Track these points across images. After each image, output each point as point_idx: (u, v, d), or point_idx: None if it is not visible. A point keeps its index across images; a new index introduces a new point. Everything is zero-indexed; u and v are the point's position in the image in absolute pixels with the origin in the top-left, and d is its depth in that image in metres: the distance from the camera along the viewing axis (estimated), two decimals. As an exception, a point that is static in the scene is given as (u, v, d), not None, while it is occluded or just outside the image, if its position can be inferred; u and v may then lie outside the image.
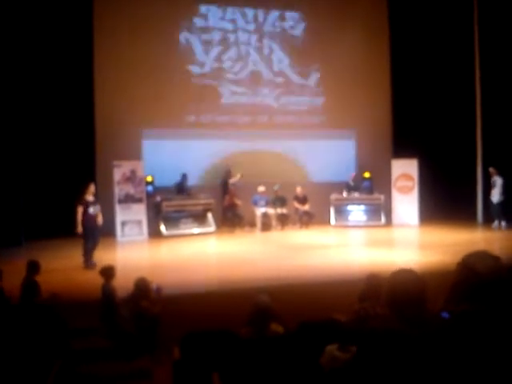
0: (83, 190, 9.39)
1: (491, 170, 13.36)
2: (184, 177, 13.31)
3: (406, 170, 14.39)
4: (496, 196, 13.19)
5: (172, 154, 13.64)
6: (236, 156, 14.36)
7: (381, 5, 15.61)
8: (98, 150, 13.11)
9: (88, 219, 9.15)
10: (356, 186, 14.66)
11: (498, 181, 13.18)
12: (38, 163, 12.20)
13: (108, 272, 6.22)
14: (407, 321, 2.24)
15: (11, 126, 11.84)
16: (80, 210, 9.10)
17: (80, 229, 9.06)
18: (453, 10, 14.30)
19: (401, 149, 14.61)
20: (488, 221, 13.62)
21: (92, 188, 9.42)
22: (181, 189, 13.24)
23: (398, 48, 15.40)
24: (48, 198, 12.13)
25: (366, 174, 14.87)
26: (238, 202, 13.56)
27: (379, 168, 14.85)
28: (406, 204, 14.31)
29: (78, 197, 9.39)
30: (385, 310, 2.86)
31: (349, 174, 14.76)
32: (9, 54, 11.70)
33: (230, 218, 13.50)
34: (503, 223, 13.08)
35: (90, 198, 9.28)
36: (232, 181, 13.55)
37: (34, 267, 6.34)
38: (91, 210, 9.21)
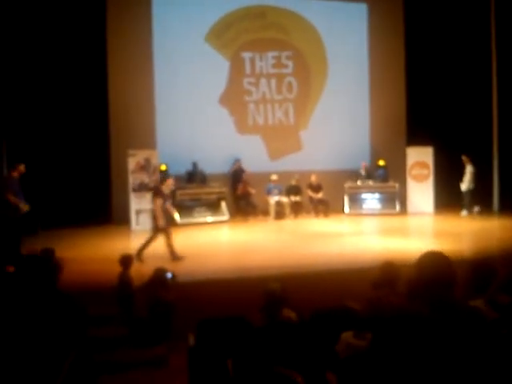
0: (160, 183, 9.29)
1: (464, 158, 13.47)
2: (195, 165, 13.35)
3: (421, 158, 14.27)
4: (465, 184, 13.37)
5: (185, 141, 13.65)
6: (248, 143, 14.36)
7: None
8: (112, 139, 13.17)
9: (164, 213, 9.04)
10: (368, 175, 14.57)
11: (468, 169, 13.37)
12: (54, 153, 12.28)
13: (126, 261, 6.28)
14: (432, 304, 2.21)
15: (27, 116, 11.95)
16: (159, 203, 8.99)
17: (162, 222, 8.84)
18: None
19: (416, 136, 14.47)
20: (505, 208, 13.50)
21: (170, 182, 9.28)
22: (192, 177, 13.29)
23: (412, 34, 15.20)
24: (64, 187, 12.23)
25: (381, 162, 14.77)
26: (252, 190, 13.57)
27: (394, 156, 14.75)
28: (421, 192, 14.20)
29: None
30: (400, 298, 2.84)
31: (360, 164, 14.67)
32: (25, 45, 11.78)
33: (244, 206, 13.52)
34: (476, 209, 13.30)
35: (167, 192, 9.23)
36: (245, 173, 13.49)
37: (48, 255, 6.38)
38: (167, 204, 9.20)
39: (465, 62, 14.36)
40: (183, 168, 13.33)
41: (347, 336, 3.38)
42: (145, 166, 12.54)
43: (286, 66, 14.91)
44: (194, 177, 13.34)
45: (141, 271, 6.98)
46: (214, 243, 10.68)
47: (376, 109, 15.38)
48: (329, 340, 3.53)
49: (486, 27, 13.93)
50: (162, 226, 8.75)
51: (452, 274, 2.30)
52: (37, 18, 12.00)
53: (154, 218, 8.83)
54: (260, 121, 14.71)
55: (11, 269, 6.07)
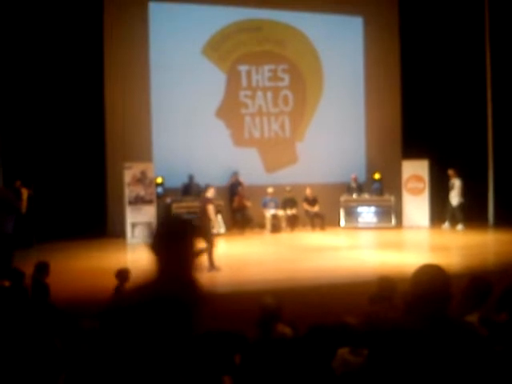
0: (205, 191, 9.38)
1: (450, 172, 13.64)
2: (191, 178, 13.36)
3: (416, 172, 14.31)
4: (455, 198, 13.46)
5: (182, 154, 13.65)
6: (244, 156, 14.38)
7: (392, 4, 15.51)
8: (108, 151, 13.17)
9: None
10: (359, 187, 14.57)
11: (456, 183, 13.48)
12: (50, 165, 12.26)
13: (124, 275, 6.20)
14: (428, 319, 2.20)
15: (23, 128, 11.95)
16: (212, 209, 9.04)
17: (216, 226, 9.06)
18: (464, 12, 14.21)
19: (411, 150, 14.52)
20: (500, 222, 13.53)
21: (212, 190, 9.34)
22: (188, 190, 13.29)
23: (408, 47, 15.33)
24: (59, 200, 12.20)
25: (376, 176, 14.81)
26: (248, 203, 13.57)
27: (389, 169, 14.79)
28: (417, 206, 14.23)
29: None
30: (398, 313, 2.83)
31: (349, 176, 14.64)
32: (23, 58, 11.83)
33: (240, 219, 13.51)
34: (460, 225, 13.37)
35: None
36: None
37: (43, 269, 6.35)
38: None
39: (460, 75, 14.47)
40: (179, 181, 13.33)
41: (344, 352, 3.36)
42: (141, 179, 12.53)
43: (282, 79, 14.99)
44: (190, 189, 13.33)
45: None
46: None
47: (371, 122, 15.45)
48: (325, 356, 3.51)
49: (481, 41, 14.05)
50: (213, 232, 9.01)
51: (448, 287, 2.30)
52: (35, 30, 12.04)
53: (207, 223, 8.85)
54: (256, 134, 14.76)
55: (7, 283, 6.02)
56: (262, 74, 14.81)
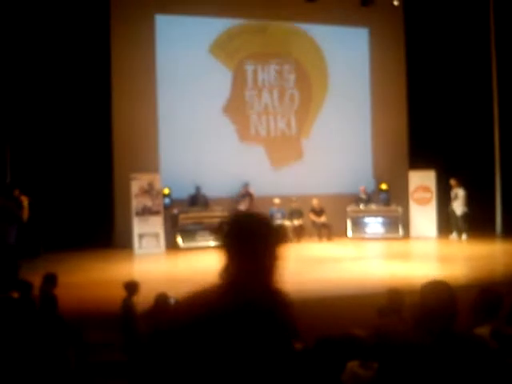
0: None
1: (452, 181, 13.59)
2: (197, 189, 13.36)
3: (423, 182, 14.28)
4: (459, 208, 13.43)
5: (189, 165, 13.69)
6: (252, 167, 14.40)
7: (397, 13, 15.55)
8: (115, 162, 13.24)
9: None
10: (368, 198, 14.55)
11: (460, 192, 13.45)
12: (57, 176, 12.33)
13: (132, 287, 6.18)
14: (435, 335, 2.20)
15: (31, 139, 12.04)
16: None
17: None
18: (470, 21, 14.24)
19: (417, 160, 14.51)
20: (507, 232, 13.45)
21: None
22: (195, 201, 13.30)
23: (414, 59, 15.36)
24: (67, 210, 12.25)
25: (383, 186, 14.78)
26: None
27: (396, 179, 14.75)
28: (424, 216, 14.17)
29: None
30: (407, 326, 2.82)
31: (356, 187, 14.60)
32: (29, 69, 11.94)
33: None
34: (464, 235, 13.33)
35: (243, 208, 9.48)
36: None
37: (51, 280, 6.35)
38: None
39: (466, 84, 14.46)
40: (185, 192, 13.33)
41: (353, 365, 3.34)
42: (148, 190, 12.57)
43: (287, 80, 15.07)
44: (197, 201, 13.33)
45: (145, 296, 6.92)
46: (217, 268, 10.60)
47: (378, 132, 15.45)
48: (334, 369, 3.49)
49: (487, 49, 14.06)
50: None
51: (454, 304, 2.31)
52: (44, 42, 12.16)
53: None
54: (262, 132, 14.81)
55: (15, 295, 6.04)
56: (268, 73, 14.89)
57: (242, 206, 9.14)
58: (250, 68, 14.79)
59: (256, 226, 1.93)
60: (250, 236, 1.90)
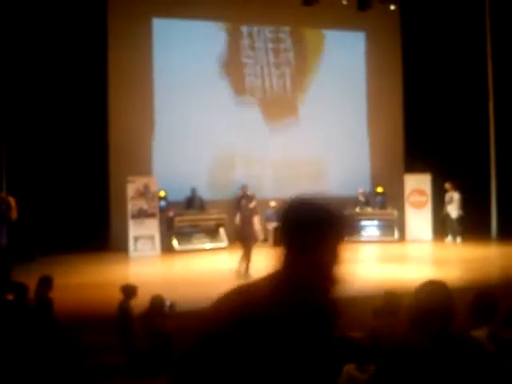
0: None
1: (447, 185, 13.68)
2: (193, 191, 13.35)
3: (419, 185, 14.31)
4: (454, 211, 13.55)
5: (184, 168, 13.67)
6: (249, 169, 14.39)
7: (393, 18, 15.60)
8: (111, 165, 13.21)
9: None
10: (367, 201, 14.56)
11: (455, 196, 13.56)
12: (53, 179, 12.30)
13: (130, 291, 6.17)
14: (431, 336, 2.20)
15: (26, 141, 12.01)
16: (258, 219, 9.79)
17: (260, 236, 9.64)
18: (466, 25, 14.30)
19: (413, 164, 14.54)
20: (502, 235, 13.49)
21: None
22: (191, 203, 13.28)
23: (410, 62, 15.40)
24: (63, 213, 12.22)
25: (379, 189, 14.80)
26: (255, 218, 13.50)
27: (392, 183, 14.77)
28: (420, 219, 14.19)
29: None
30: (403, 328, 2.82)
31: (355, 190, 14.56)
32: (26, 71, 11.92)
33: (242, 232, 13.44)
34: (458, 238, 13.44)
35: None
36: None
37: (46, 283, 6.33)
38: None
39: (462, 88, 14.50)
40: (181, 194, 13.31)
41: (350, 368, 3.34)
42: (144, 193, 12.56)
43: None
44: (193, 203, 13.31)
45: (140, 298, 6.91)
46: (213, 270, 10.60)
47: (374, 136, 15.48)
48: (330, 371, 3.49)
49: (483, 53, 14.12)
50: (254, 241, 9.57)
51: (451, 304, 2.29)
52: (41, 45, 12.14)
53: (249, 231, 9.31)
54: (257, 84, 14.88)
55: (10, 297, 6.01)
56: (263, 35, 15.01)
57: (252, 205, 9.57)
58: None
59: (317, 215, 1.66)
60: (308, 226, 1.63)
